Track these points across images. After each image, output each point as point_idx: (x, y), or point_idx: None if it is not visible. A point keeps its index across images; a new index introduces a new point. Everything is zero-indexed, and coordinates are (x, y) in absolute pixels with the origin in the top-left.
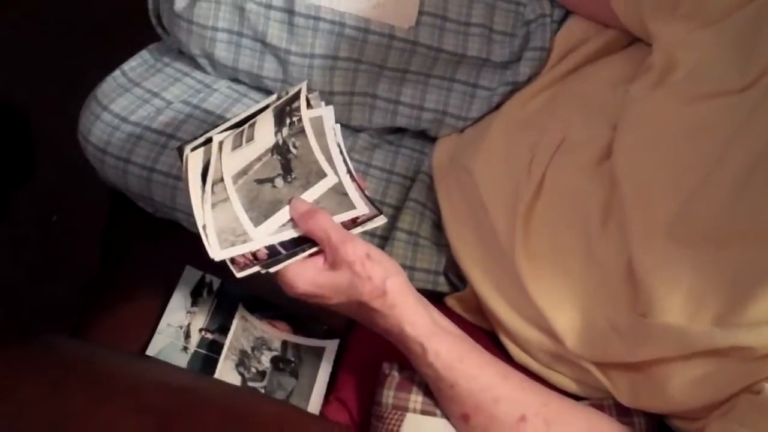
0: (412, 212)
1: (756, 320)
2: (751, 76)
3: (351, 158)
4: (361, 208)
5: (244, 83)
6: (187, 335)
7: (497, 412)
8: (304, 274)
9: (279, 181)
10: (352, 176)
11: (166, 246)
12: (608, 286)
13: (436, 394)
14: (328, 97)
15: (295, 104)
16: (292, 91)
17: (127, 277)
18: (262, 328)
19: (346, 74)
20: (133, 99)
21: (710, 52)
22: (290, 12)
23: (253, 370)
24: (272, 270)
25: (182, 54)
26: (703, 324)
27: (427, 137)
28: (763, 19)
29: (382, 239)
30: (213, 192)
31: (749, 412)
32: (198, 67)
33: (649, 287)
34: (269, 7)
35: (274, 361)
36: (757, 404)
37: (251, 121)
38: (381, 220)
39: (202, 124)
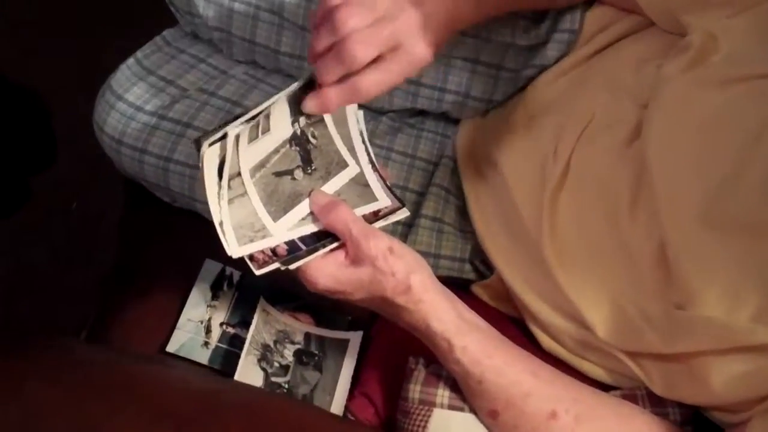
0: (436, 198)
1: None
2: None
3: (372, 143)
4: (383, 201)
5: (261, 67)
6: (208, 330)
7: (527, 408)
8: (325, 270)
9: (298, 173)
10: (374, 166)
11: (184, 238)
12: (638, 273)
13: (464, 390)
14: None
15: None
16: (306, 76)
17: (145, 270)
18: (284, 320)
19: None
20: (147, 88)
21: (747, 36)
22: None
23: (276, 364)
24: (292, 267)
25: (197, 39)
26: (744, 318)
27: (449, 120)
28: None
29: (406, 226)
30: (230, 187)
31: None
32: (214, 52)
33: (685, 276)
34: None
35: (297, 354)
36: None
37: (266, 112)
38: (403, 213)
39: (218, 112)
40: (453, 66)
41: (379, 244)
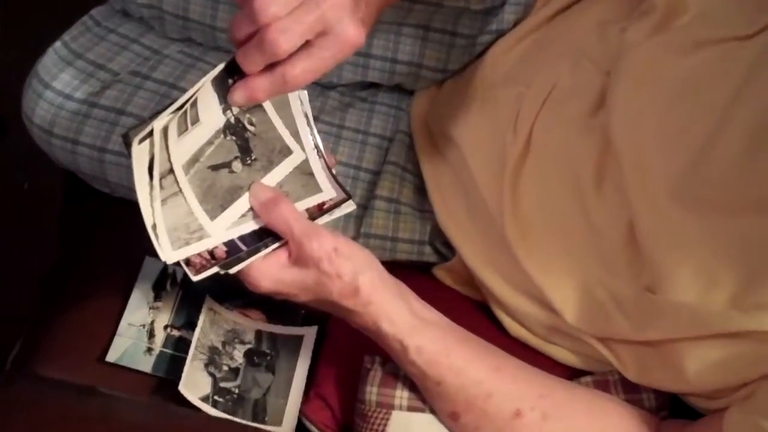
0: (392, 177)
1: None
2: (763, 22)
3: (321, 121)
4: (328, 192)
5: (198, 45)
6: (152, 334)
7: (489, 408)
8: (267, 272)
9: (237, 165)
10: (319, 152)
11: (125, 233)
12: (607, 254)
13: (423, 391)
14: None
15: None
16: (229, 59)
17: (84, 270)
18: (232, 319)
19: None
20: (76, 73)
21: None
22: None
23: (225, 368)
24: (232, 271)
25: (128, 17)
26: (717, 303)
27: (403, 92)
28: None
29: (361, 208)
30: (162, 186)
31: None
32: (146, 31)
33: (656, 257)
34: None
35: (248, 355)
36: None
37: (192, 100)
38: (350, 207)
39: (153, 96)
40: (404, 35)
41: (323, 244)
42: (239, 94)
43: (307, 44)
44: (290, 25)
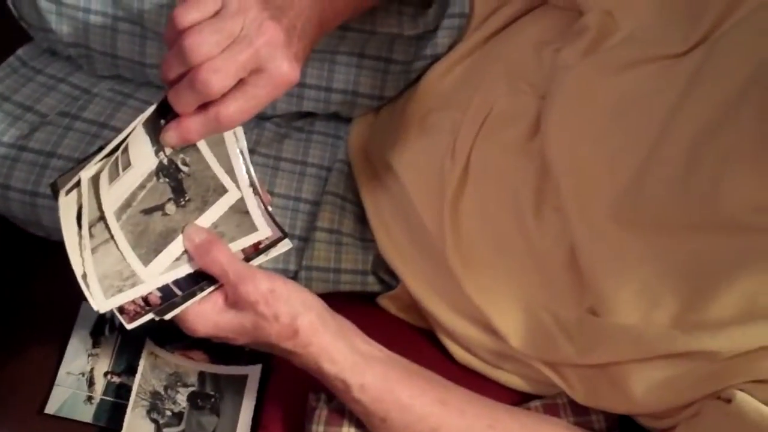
0: (332, 207)
1: (719, 321)
2: (695, 38)
3: (257, 153)
4: (264, 231)
5: (128, 81)
6: (91, 382)
7: None
8: (203, 317)
9: (170, 207)
10: (255, 189)
11: (61, 278)
12: (549, 278)
13: (369, 428)
14: None
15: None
16: (159, 99)
17: (19, 319)
18: (174, 361)
19: None
20: (3, 117)
21: (650, 12)
22: None
23: (168, 413)
24: (167, 317)
25: (56, 56)
26: (660, 324)
27: (340, 120)
28: None
29: (302, 241)
30: (92, 235)
31: (720, 422)
32: (74, 70)
33: (596, 280)
34: None
35: (192, 398)
36: (727, 413)
37: (123, 145)
38: (286, 246)
39: (84, 137)
40: (338, 63)
41: (259, 286)
42: (172, 135)
43: (240, 82)
44: (222, 64)
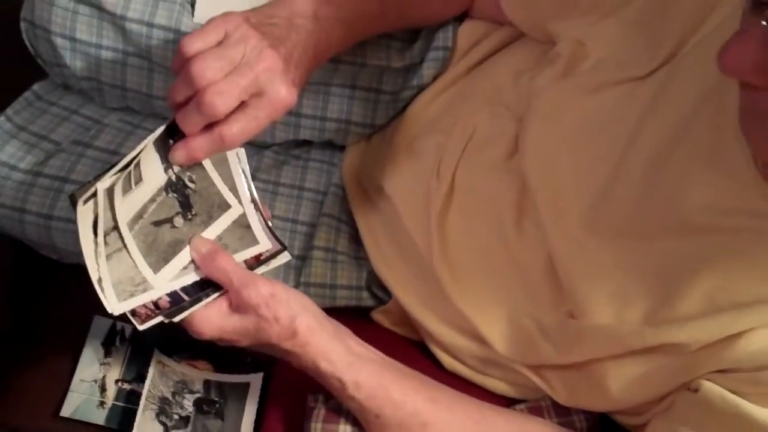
0: (327, 228)
1: (685, 315)
2: (658, 60)
3: (258, 178)
4: (264, 244)
5: (136, 113)
6: (103, 389)
7: None
8: (209, 320)
9: (178, 220)
10: (256, 205)
11: (73, 296)
12: (530, 286)
13: (364, 425)
14: None
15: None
16: (168, 121)
17: (35, 334)
18: (181, 370)
19: None
20: (20, 145)
21: (617, 39)
22: (176, 31)
23: (176, 416)
24: (176, 319)
25: (69, 89)
26: (632, 322)
27: (335, 147)
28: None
29: (300, 259)
30: (106, 243)
31: (689, 411)
32: (86, 102)
33: (573, 285)
34: (151, 25)
35: (198, 403)
36: (695, 402)
37: (135, 161)
38: (285, 257)
39: (95, 163)
40: (332, 94)
41: (260, 291)
42: (180, 154)
43: (242, 105)
44: (226, 87)
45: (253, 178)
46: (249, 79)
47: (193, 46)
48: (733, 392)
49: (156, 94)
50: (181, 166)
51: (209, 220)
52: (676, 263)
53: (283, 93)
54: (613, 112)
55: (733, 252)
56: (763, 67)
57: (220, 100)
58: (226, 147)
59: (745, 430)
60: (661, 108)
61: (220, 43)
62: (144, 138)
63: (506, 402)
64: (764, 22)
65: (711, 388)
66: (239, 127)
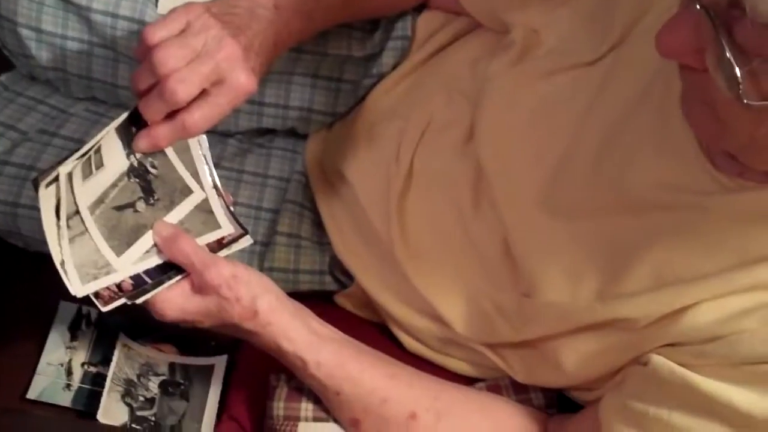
0: (291, 214)
1: (633, 291)
2: (606, 46)
3: (222, 167)
4: (227, 228)
5: (102, 102)
6: (69, 372)
7: (386, 413)
8: (171, 302)
9: (141, 205)
10: (218, 191)
11: (39, 282)
12: (488, 266)
13: (325, 403)
14: None
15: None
16: (131, 108)
17: (2, 319)
18: (146, 353)
19: None
20: None
21: (570, 27)
22: (140, 22)
23: (141, 398)
24: (138, 301)
25: (35, 80)
26: (585, 298)
27: (298, 135)
28: None
29: (263, 245)
30: (69, 226)
31: (639, 385)
32: (52, 92)
33: (527, 264)
34: (116, 16)
35: (163, 385)
36: (645, 376)
37: (96, 147)
38: (247, 241)
39: (61, 152)
40: (294, 83)
41: (221, 272)
42: (143, 141)
43: (203, 92)
44: (187, 75)
45: (218, 166)
46: (210, 66)
47: (155, 34)
48: (682, 365)
49: (121, 83)
50: (142, 153)
51: (171, 205)
52: (625, 240)
53: (243, 80)
54: (564, 96)
55: (679, 228)
56: (698, 48)
57: (182, 88)
58: (188, 134)
59: (693, 401)
60: (610, 91)
61: (182, 32)
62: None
63: (467, 381)
64: (698, 6)
65: (660, 361)
66: (201, 114)
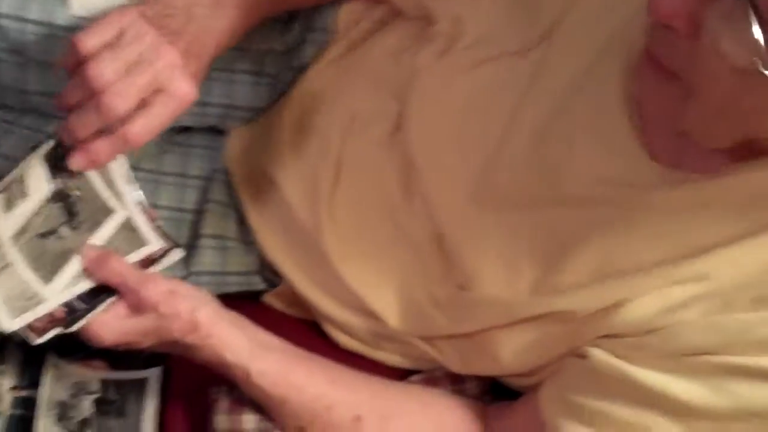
0: (214, 214)
1: (571, 284)
2: (536, 35)
3: (140, 169)
4: (155, 244)
5: (11, 109)
6: None
7: (332, 419)
8: (108, 325)
9: (64, 230)
10: (142, 208)
11: None
12: (421, 260)
13: (270, 412)
14: None
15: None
16: (55, 137)
17: None
18: (77, 372)
19: None
20: None
21: (495, 16)
22: (50, 25)
23: (75, 420)
24: (74, 328)
25: None
26: (521, 292)
27: (217, 132)
28: None
29: (188, 248)
30: None
31: (577, 377)
32: None
33: (462, 257)
34: (24, 20)
35: (97, 404)
36: (583, 369)
37: (19, 178)
38: (177, 255)
39: None
40: (213, 79)
41: (158, 288)
42: (79, 159)
43: (143, 102)
44: (125, 87)
45: (135, 169)
46: (147, 77)
47: (87, 44)
48: (621, 357)
49: (32, 89)
50: (69, 171)
51: (96, 226)
52: (564, 232)
53: (184, 89)
54: (494, 87)
55: (618, 221)
56: (692, 12)
57: (119, 102)
58: (129, 147)
59: (632, 393)
60: (542, 82)
61: (115, 41)
62: (20, 139)
63: (401, 374)
64: None
65: (598, 354)
66: (142, 125)
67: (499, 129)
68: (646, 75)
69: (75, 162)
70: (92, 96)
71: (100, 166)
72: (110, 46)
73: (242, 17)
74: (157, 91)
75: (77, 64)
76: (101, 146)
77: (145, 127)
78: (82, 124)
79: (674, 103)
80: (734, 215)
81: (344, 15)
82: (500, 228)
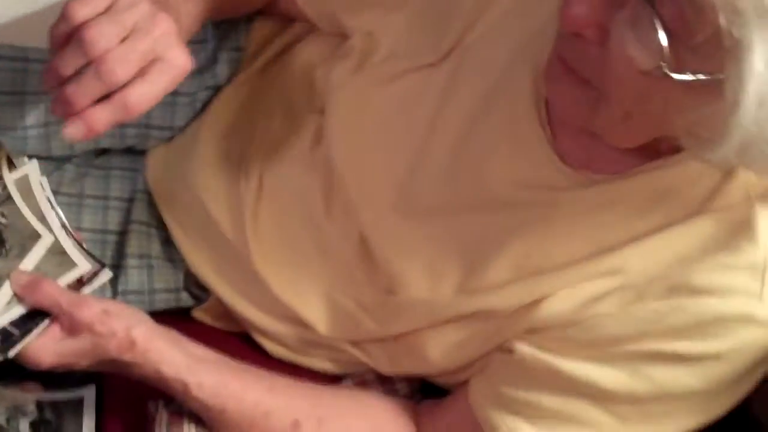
0: (138, 234)
1: (494, 283)
2: (447, 45)
3: (61, 193)
4: (83, 265)
5: None
6: None
7: (270, 425)
8: (45, 348)
9: None
10: (67, 231)
11: None
12: (345, 267)
13: (209, 423)
14: (22, 133)
15: None
16: None
17: None
18: (11, 395)
19: (36, 105)
20: None
21: (406, 29)
22: None
23: None
24: (10, 354)
25: None
26: (446, 294)
27: (136, 153)
28: None
29: (114, 269)
30: None
31: (506, 371)
32: None
33: (387, 263)
34: None
35: (34, 427)
36: (511, 363)
37: None
38: (107, 275)
39: None
40: None
41: (91, 309)
42: (76, 128)
43: (141, 71)
44: (125, 54)
45: (57, 193)
46: (147, 44)
47: (80, 12)
48: (546, 350)
49: None
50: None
51: (24, 252)
52: (484, 235)
53: (181, 58)
54: (411, 98)
55: (534, 223)
56: (601, 21)
57: (121, 67)
58: (129, 113)
59: (558, 383)
60: (458, 91)
61: (109, 9)
62: None
63: (331, 379)
64: None
65: (524, 348)
66: (141, 92)
67: (419, 139)
68: (556, 78)
69: (71, 132)
70: (91, 62)
71: (96, 134)
72: (105, 12)
73: (206, 10)
74: (155, 59)
75: (70, 34)
76: (99, 114)
77: (145, 95)
78: (82, 92)
79: (584, 106)
80: (644, 211)
81: (256, 33)
82: (423, 233)
